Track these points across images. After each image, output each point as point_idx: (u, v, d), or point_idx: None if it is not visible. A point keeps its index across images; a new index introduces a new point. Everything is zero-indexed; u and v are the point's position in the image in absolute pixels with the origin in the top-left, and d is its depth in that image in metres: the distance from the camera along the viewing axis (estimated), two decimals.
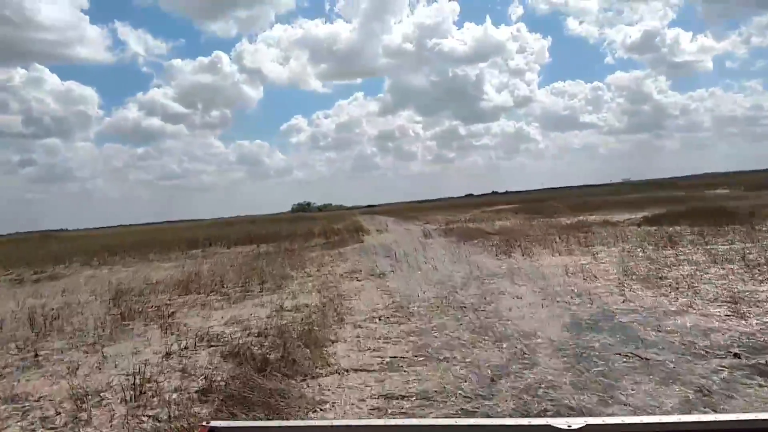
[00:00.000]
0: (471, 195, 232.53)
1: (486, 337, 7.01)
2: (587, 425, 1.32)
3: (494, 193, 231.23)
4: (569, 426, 1.32)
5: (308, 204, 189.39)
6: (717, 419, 1.38)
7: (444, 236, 23.88)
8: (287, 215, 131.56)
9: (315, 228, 36.35)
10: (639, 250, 13.83)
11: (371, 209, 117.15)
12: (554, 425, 1.33)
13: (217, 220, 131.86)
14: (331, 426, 1.58)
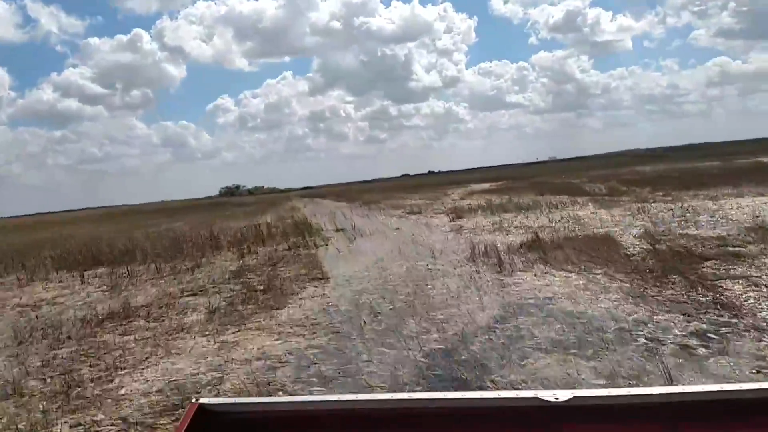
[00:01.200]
0: (407, 175, 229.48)
1: None
2: (574, 397, 1.33)
3: (430, 173, 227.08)
4: (556, 398, 1.33)
5: (237, 187, 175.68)
6: (702, 390, 1.40)
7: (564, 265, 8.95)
8: (209, 200, 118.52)
9: (230, 225, 24.49)
10: None
11: (309, 191, 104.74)
12: (542, 397, 1.33)
13: (132, 208, 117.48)
14: (317, 401, 1.65)
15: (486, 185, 43.02)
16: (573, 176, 41.92)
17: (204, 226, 26.50)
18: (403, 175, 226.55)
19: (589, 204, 17.51)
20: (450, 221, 16.98)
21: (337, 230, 17.32)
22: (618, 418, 1.38)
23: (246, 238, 16.69)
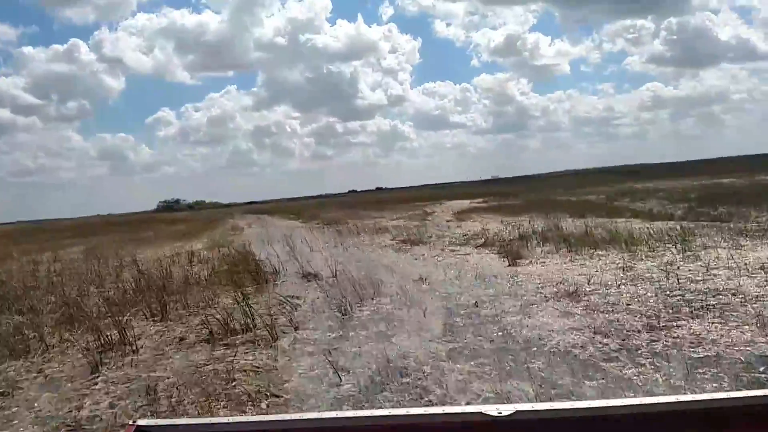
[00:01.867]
0: (354, 191, 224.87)
1: None
2: (517, 411, 1.32)
3: (378, 189, 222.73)
4: (500, 412, 1.32)
5: (177, 201, 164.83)
6: (647, 402, 1.38)
7: None
8: (143, 215, 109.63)
9: (143, 253, 16.71)
10: None
11: (254, 207, 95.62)
12: (485, 412, 1.32)
13: (58, 223, 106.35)
14: (262, 421, 1.63)
15: (468, 202, 36.13)
16: (570, 191, 35.50)
17: (109, 251, 18.56)
18: (349, 191, 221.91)
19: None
20: (507, 264, 9.66)
21: (305, 276, 9.82)
22: None
23: (138, 290, 8.98)
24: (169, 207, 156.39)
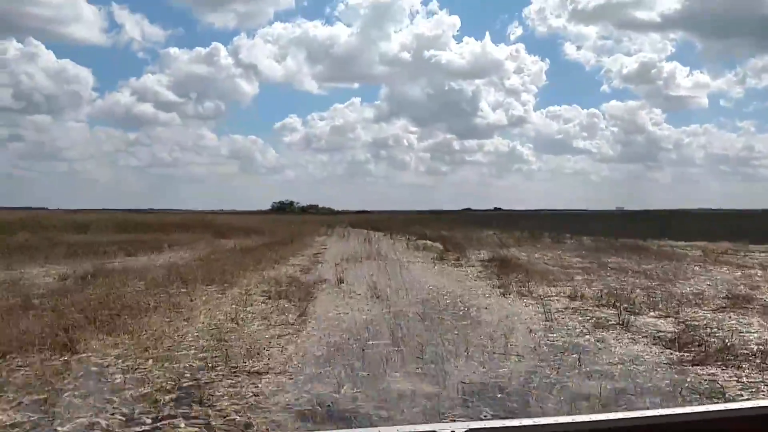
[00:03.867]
0: (469, 209, 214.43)
1: None
2: (470, 429, 1.31)
3: (497, 209, 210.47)
4: (453, 431, 1.31)
5: (291, 203, 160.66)
6: (603, 419, 1.40)
7: None
8: (260, 214, 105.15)
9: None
10: None
11: (364, 217, 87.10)
12: (438, 430, 1.31)
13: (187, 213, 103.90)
14: None
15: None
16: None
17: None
18: (465, 209, 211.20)
19: None
20: None
21: None
22: None
23: None
24: (282, 208, 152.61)
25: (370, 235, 31.84)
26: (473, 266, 15.53)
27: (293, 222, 52.53)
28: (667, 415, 1.39)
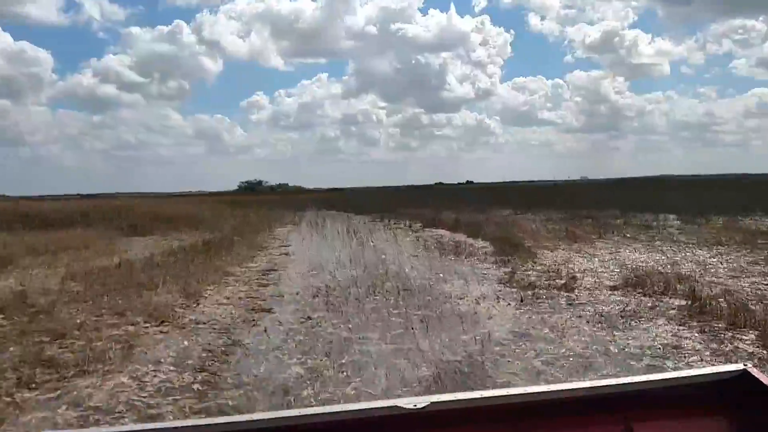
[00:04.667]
0: (441, 184, 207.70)
1: None
2: (432, 403, 1.33)
3: (468, 182, 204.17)
4: (415, 405, 1.32)
5: (259, 182, 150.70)
6: (556, 389, 1.43)
7: None
8: (227, 195, 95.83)
9: None
10: None
11: (338, 194, 77.70)
12: (400, 405, 1.32)
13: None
14: (159, 428, 1.55)
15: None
16: None
17: None
18: (437, 183, 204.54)
19: None
20: None
21: None
22: (475, 421, 1.39)
23: None
24: (251, 188, 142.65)
25: (352, 221, 23.21)
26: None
27: (257, 204, 43.68)
28: (624, 384, 1.43)
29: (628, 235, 14.47)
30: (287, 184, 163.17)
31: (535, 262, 10.58)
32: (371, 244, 14.68)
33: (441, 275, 9.49)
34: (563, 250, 12.32)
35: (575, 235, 14.26)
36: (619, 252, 11.75)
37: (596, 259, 10.99)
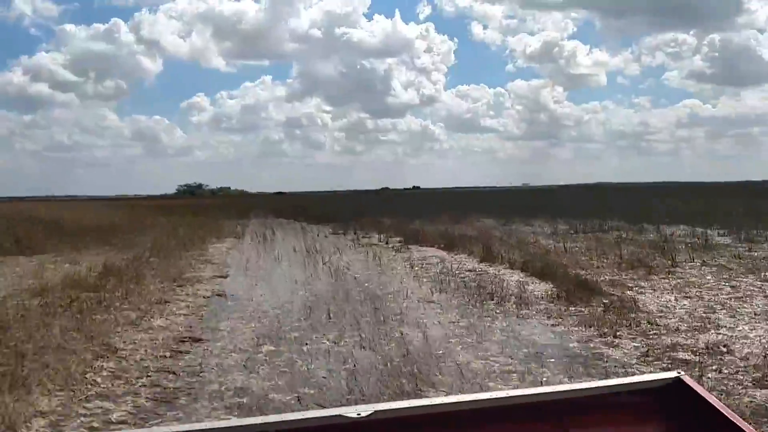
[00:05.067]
0: (387, 188, 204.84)
1: None
2: (376, 411, 1.30)
3: (415, 188, 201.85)
4: (359, 414, 1.30)
5: (199, 186, 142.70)
6: (502, 396, 1.44)
7: None
8: (164, 200, 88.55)
9: None
10: None
11: (284, 199, 71.59)
12: (344, 414, 1.29)
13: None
14: None
15: None
16: None
17: None
18: (383, 188, 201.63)
19: None
20: None
21: None
22: (419, 429, 1.38)
23: None
24: (190, 192, 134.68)
25: (310, 234, 18.42)
26: None
27: (194, 210, 38.15)
28: (559, 391, 1.46)
29: (708, 261, 10.23)
30: (229, 188, 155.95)
31: (638, 321, 6.14)
32: (349, 273, 9.99)
33: (522, 363, 4.91)
34: (652, 289, 7.94)
35: (640, 262, 9.91)
36: (753, 294, 7.44)
37: (742, 309, 6.64)
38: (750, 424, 1.38)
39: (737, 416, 1.34)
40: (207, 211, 34.86)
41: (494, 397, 1.43)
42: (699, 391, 1.39)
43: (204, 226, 21.00)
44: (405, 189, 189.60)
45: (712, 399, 1.38)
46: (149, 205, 55.64)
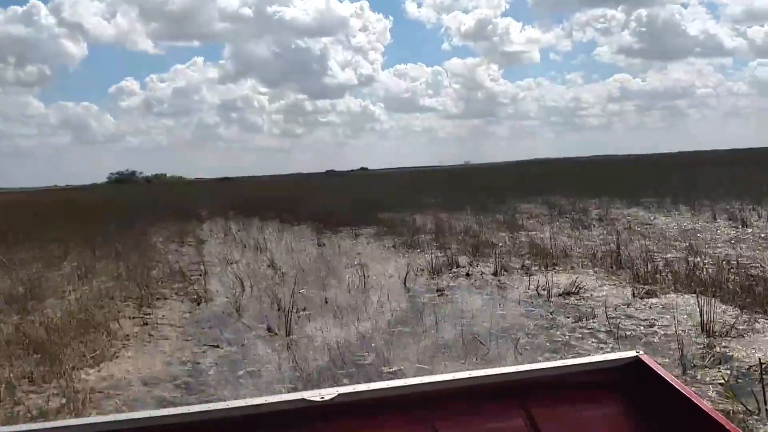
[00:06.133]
0: (333, 171, 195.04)
1: None
2: (339, 395, 1.33)
3: (363, 169, 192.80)
4: (322, 397, 1.32)
5: (132, 173, 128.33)
6: (464, 376, 1.43)
7: None
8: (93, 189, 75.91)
9: None
10: None
11: (233, 186, 59.91)
12: (308, 398, 1.32)
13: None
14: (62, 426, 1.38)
15: None
16: None
17: None
18: (328, 171, 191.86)
19: None
20: None
21: None
22: (382, 411, 1.38)
23: None
24: (122, 180, 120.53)
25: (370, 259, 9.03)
26: None
27: (119, 206, 27.83)
28: (521, 371, 1.46)
29: None
30: (165, 174, 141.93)
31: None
32: None
33: None
34: None
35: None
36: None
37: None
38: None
39: (694, 394, 1.37)
40: (136, 210, 24.34)
41: (456, 378, 1.44)
42: (657, 370, 1.44)
43: (128, 256, 11.11)
44: (352, 170, 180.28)
45: (669, 377, 1.42)
46: (66, 198, 43.93)
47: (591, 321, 5.69)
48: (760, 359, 4.10)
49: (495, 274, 8.17)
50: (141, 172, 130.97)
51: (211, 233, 16.05)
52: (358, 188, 36.37)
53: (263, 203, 23.98)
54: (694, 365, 4.32)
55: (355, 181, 55.06)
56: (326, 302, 7.17)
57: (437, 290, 7.51)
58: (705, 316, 5.09)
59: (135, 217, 19.59)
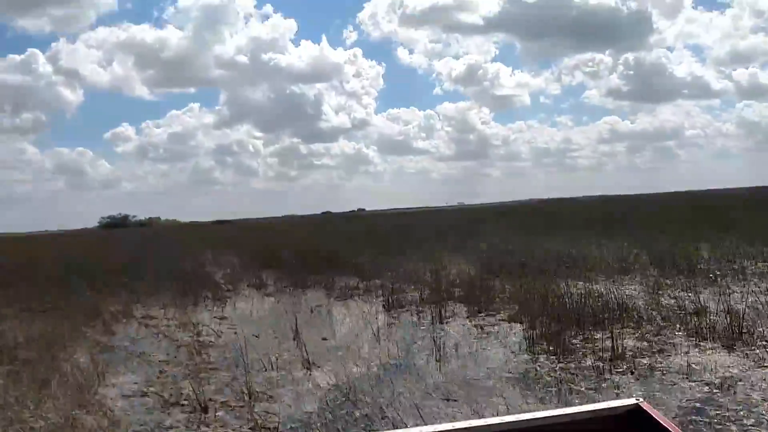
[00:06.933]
0: (329, 212, 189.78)
1: None
2: None
3: (360, 210, 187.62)
4: None
5: (125, 217, 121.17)
6: (469, 425, 1.41)
7: None
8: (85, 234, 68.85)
9: None
10: None
11: (230, 230, 52.70)
12: None
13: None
14: None
15: None
16: None
17: None
18: (324, 213, 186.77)
19: None
20: None
21: None
22: None
23: None
24: (114, 224, 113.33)
25: None
26: None
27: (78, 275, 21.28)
28: (525, 420, 1.43)
29: None
30: (159, 218, 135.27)
31: None
32: None
33: None
34: None
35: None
36: None
37: None
38: None
39: None
40: (116, 268, 17.59)
41: (457, 427, 1.41)
42: (657, 418, 1.43)
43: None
44: (350, 212, 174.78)
45: (670, 425, 1.40)
46: (40, 245, 37.10)
47: None
48: None
49: None
50: (134, 216, 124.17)
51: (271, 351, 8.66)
52: (389, 229, 29.69)
53: (295, 254, 17.27)
54: None
55: (378, 221, 48.36)
56: None
57: None
58: None
59: (108, 281, 12.84)
